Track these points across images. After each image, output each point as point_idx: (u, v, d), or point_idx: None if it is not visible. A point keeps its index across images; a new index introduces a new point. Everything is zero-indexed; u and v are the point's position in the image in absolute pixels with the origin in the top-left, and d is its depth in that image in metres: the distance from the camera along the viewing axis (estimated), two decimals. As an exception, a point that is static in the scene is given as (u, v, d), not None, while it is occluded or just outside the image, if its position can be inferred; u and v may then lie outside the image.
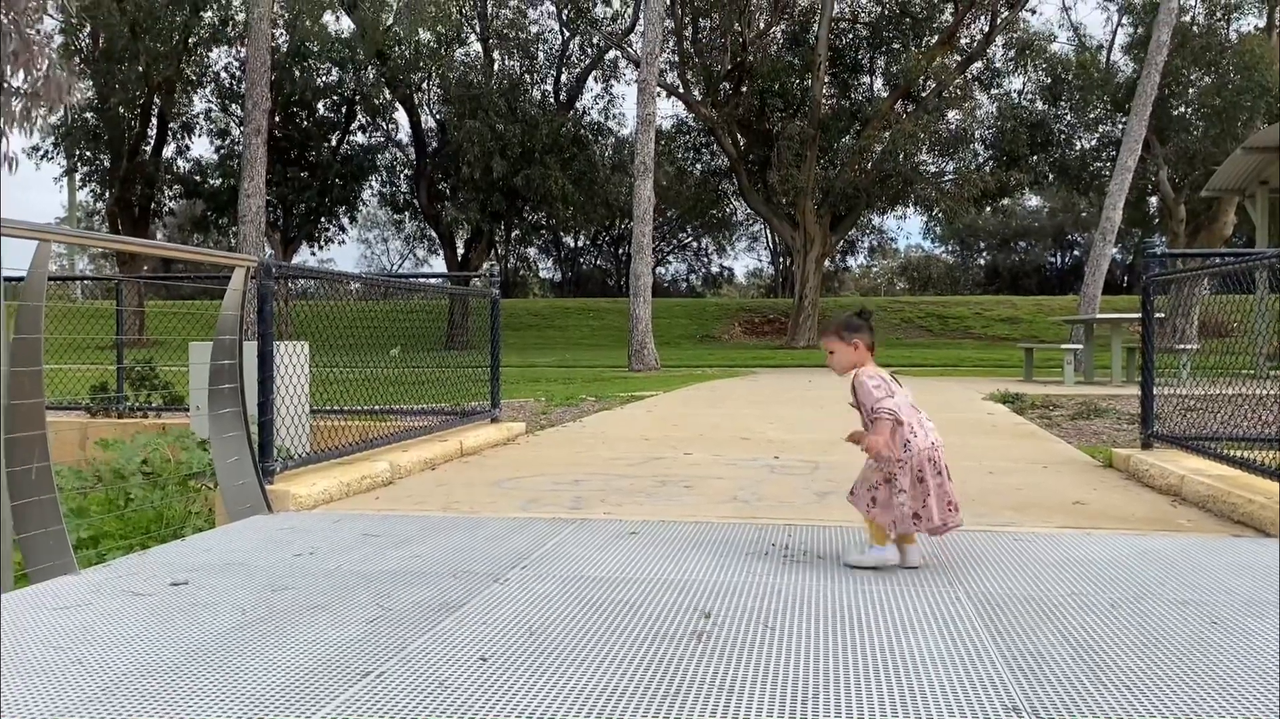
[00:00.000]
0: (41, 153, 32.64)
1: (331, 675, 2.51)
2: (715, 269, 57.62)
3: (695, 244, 52.94)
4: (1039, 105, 34.91)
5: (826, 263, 38.60)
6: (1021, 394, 11.99)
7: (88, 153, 33.23)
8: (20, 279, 3.84)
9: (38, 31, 7.92)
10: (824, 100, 32.98)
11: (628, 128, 39.38)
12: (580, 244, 50.60)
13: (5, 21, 6.84)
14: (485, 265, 37.21)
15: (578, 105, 37.56)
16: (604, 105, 38.89)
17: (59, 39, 27.63)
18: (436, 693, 2.39)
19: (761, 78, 32.98)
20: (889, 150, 31.68)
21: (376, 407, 7.46)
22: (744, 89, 33.90)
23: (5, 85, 6.58)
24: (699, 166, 39.55)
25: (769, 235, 49.67)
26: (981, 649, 2.71)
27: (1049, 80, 34.51)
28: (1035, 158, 34.57)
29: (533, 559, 3.81)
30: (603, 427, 9.20)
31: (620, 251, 48.30)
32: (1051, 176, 36.04)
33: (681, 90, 34.28)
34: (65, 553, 3.55)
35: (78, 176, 34.39)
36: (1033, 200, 56.84)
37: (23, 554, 3.58)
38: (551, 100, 36.60)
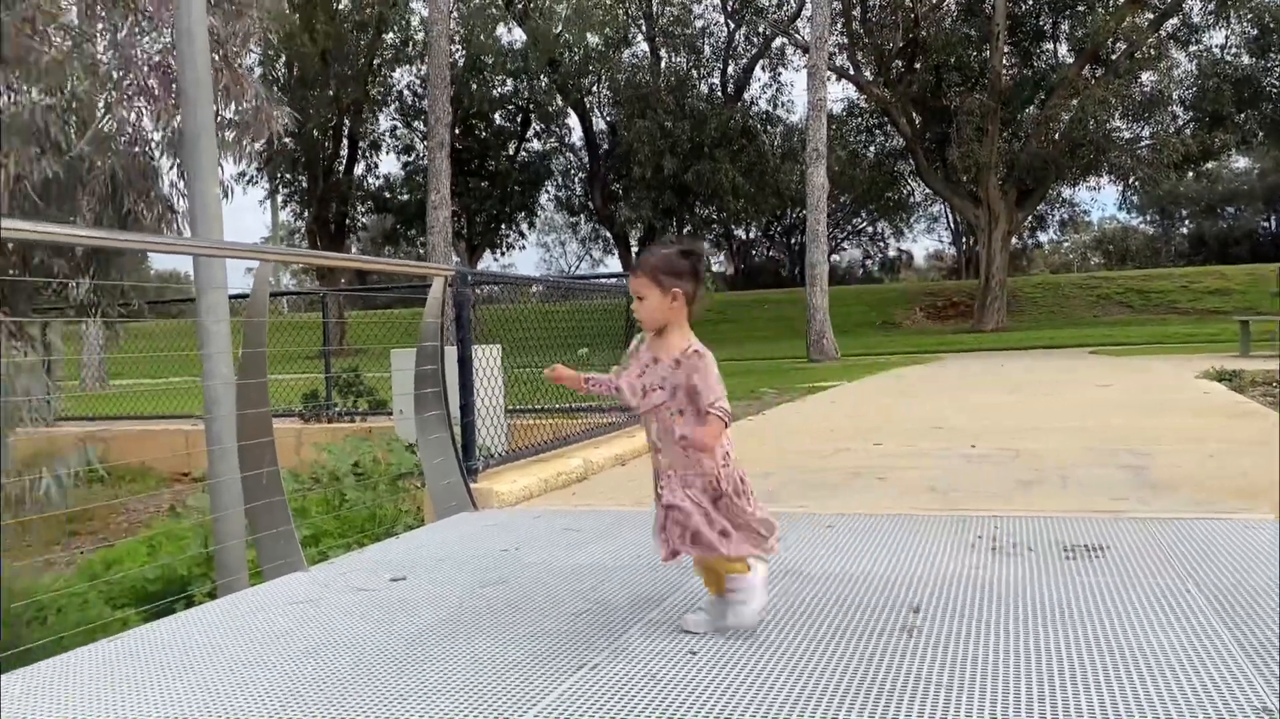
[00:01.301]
0: (247, 178, 35.14)
1: (548, 668, 2.59)
2: (893, 253, 56.15)
3: (871, 229, 51.75)
4: (1245, 59, 32.26)
5: (1013, 240, 36.98)
6: (1239, 371, 11.12)
7: (287, 175, 35.54)
8: (244, 296, 4.14)
9: (241, 65, 8.52)
10: (1004, 71, 31.57)
11: (797, 115, 38.87)
12: (751, 236, 50.35)
13: (216, 58, 7.37)
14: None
15: (745, 96, 37.39)
16: (772, 94, 38.42)
17: (258, 70, 29.72)
18: (649, 686, 2.43)
19: (936, 52, 31.88)
20: (1078, 118, 30.02)
21: (566, 405, 7.65)
22: (917, 66, 32.87)
23: (220, 118, 7.09)
24: (872, 149, 38.62)
25: (949, 215, 48.01)
26: (1221, 645, 2.53)
27: (1255, 32, 31.84)
28: (1242, 116, 31.97)
29: (730, 553, 3.81)
30: (786, 419, 9.12)
31: (793, 241, 47.79)
32: (1261, 135, 33.25)
33: (852, 72, 33.56)
34: (295, 551, 3.80)
35: (279, 198, 36.88)
36: (1240, 162, 52.62)
37: (257, 553, 3.86)
38: (719, 93, 36.57)
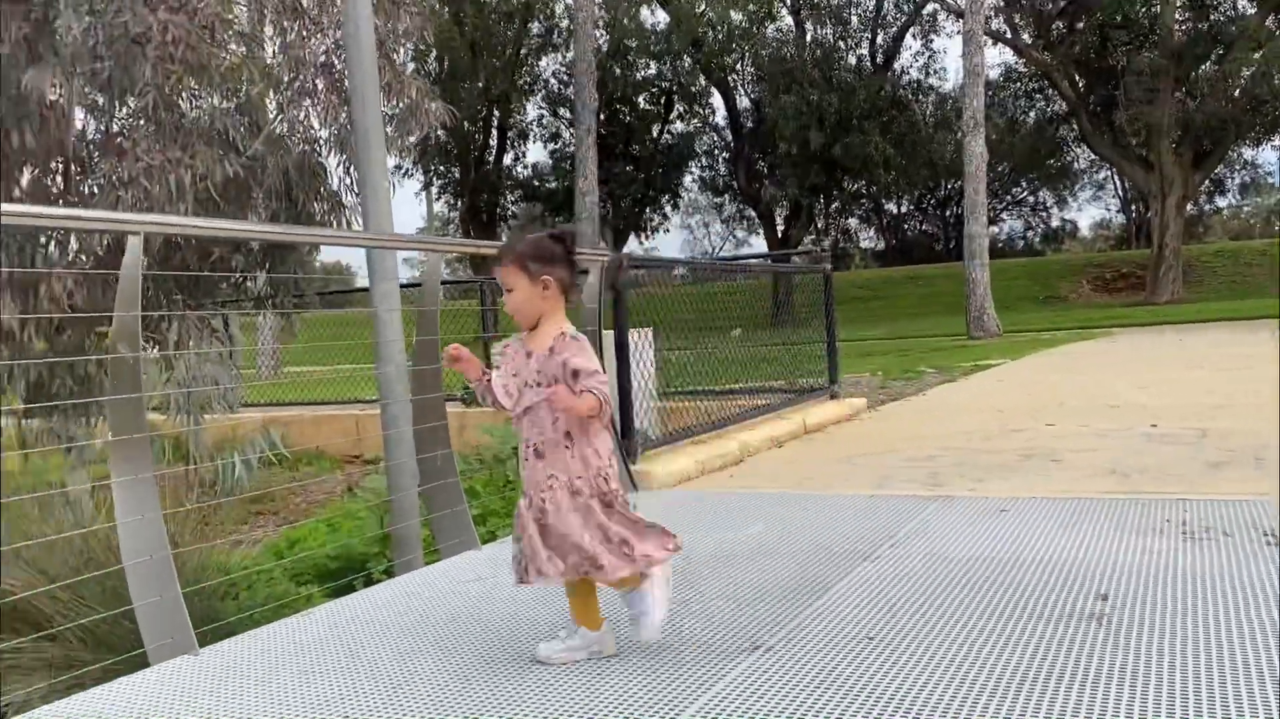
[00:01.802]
0: (403, 171, 36.42)
1: (721, 651, 2.58)
2: (1056, 223, 53.61)
3: (1032, 199, 49.55)
4: None
5: (1188, 206, 34.76)
6: None
7: (440, 167, 36.66)
8: (414, 285, 4.30)
9: (399, 62, 8.78)
10: (1176, 26, 29.61)
11: (950, 83, 37.52)
12: (903, 210, 49.00)
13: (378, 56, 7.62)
14: (806, 240, 37.03)
15: (895, 66, 36.32)
16: (924, 62, 37.15)
17: (410, 66, 30.75)
18: (824, 668, 2.39)
19: (1101, 10, 30.16)
20: (1261, 73, 27.88)
21: (717, 387, 7.63)
22: (1080, 25, 31.19)
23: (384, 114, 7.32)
24: (1032, 115, 36.94)
25: (1117, 182, 45.49)
26: None
27: None
28: None
29: (899, 537, 3.72)
30: (949, 399, 8.85)
31: (947, 214, 46.26)
32: None
33: (1009, 35, 32.15)
34: (469, 531, 3.93)
35: (433, 190, 38.10)
36: None
37: (432, 532, 4.00)
38: (867, 64, 35.66)
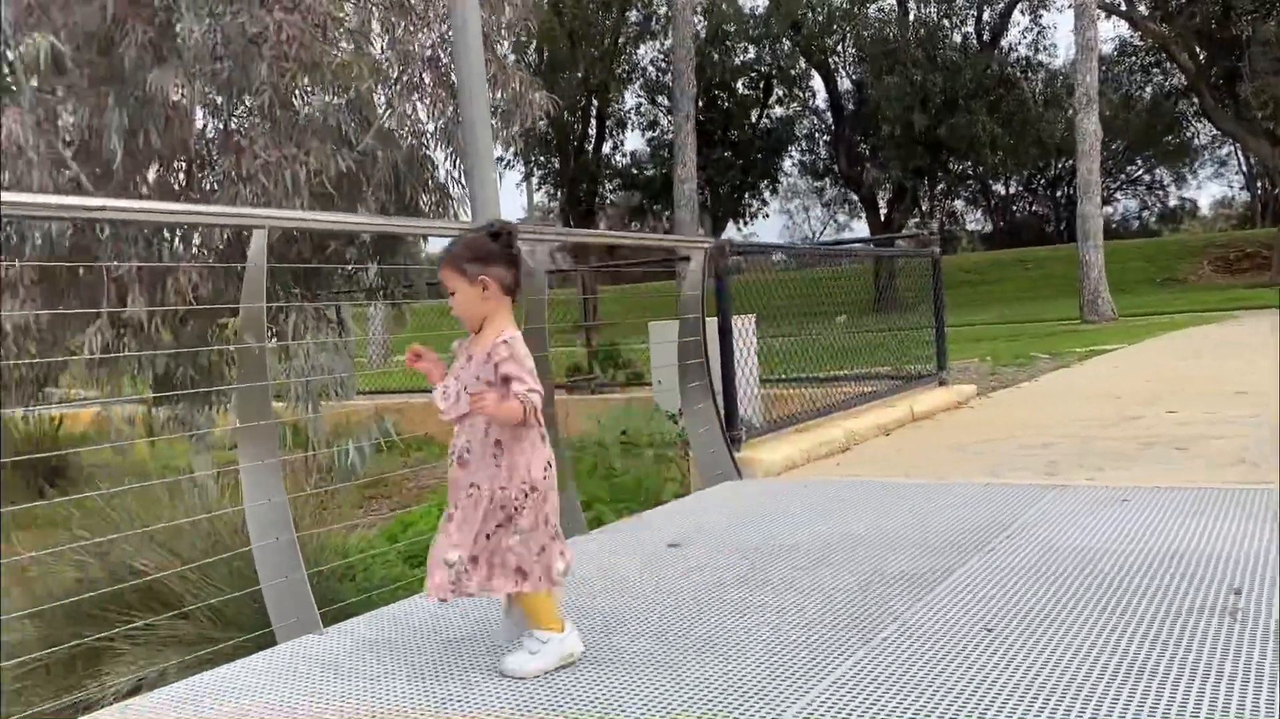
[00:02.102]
0: (505, 162, 36.91)
1: (834, 641, 2.56)
2: (1173, 202, 51.36)
3: (1148, 177, 47.57)
4: None
5: (1319, 182, 32.89)
6: None
7: (540, 157, 37.03)
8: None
9: (502, 54, 8.89)
10: (1306, -9, 27.98)
11: (1060, 59, 36.25)
12: (1011, 190, 47.59)
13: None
14: (910, 223, 36.29)
15: (1002, 43, 35.24)
16: (1033, 38, 35.96)
17: (510, 57, 31.14)
18: (940, 660, 2.35)
19: (1223, -22, 28.70)
20: (1400, 38, 26.17)
21: (821, 374, 7.54)
22: (1200, -6, 29.74)
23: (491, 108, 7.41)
24: (1148, 90, 35.43)
25: (1241, 158, 43.34)
26: None
27: None
28: None
29: (1015, 527, 3.63)
30: (1062, 385, 8.58)
31: (1058, 194, 44.76)
32: None
33: (1124, 8, 30.87)
34: (576, 515, 3.97)
35: (534, 180, 38.51)
36: None
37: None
38: (973, 42, 34.69)
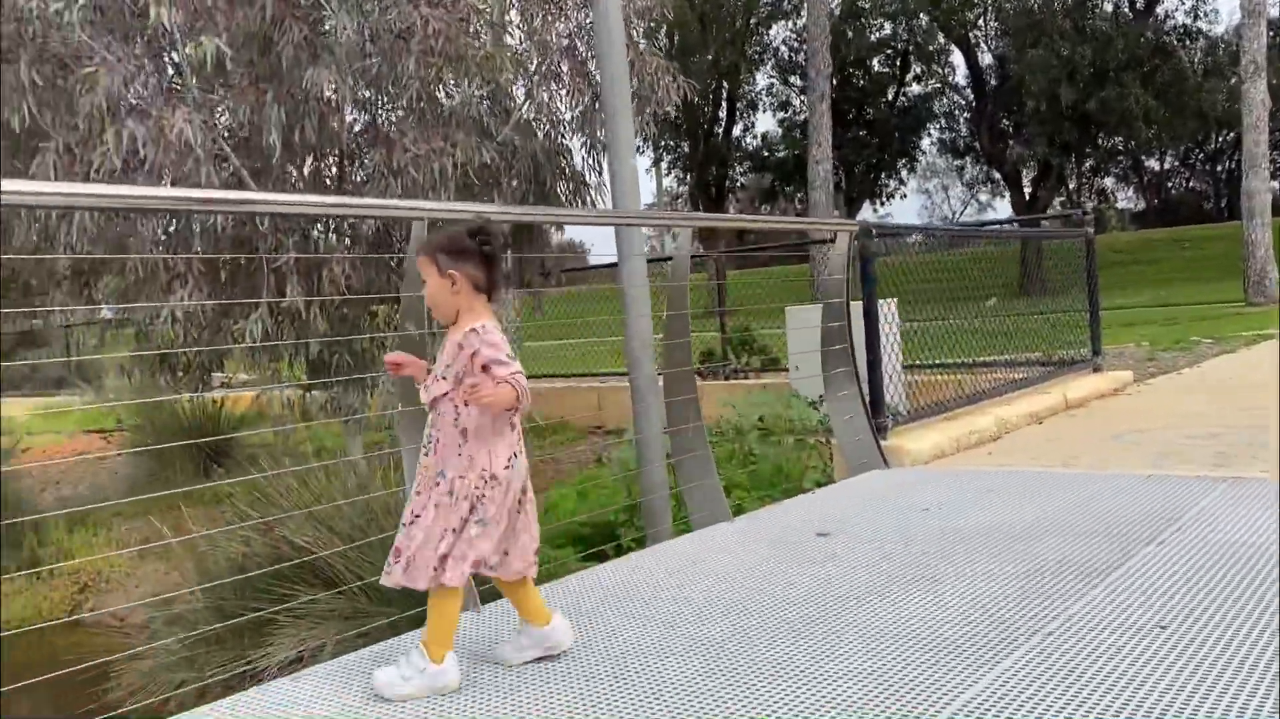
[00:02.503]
0: (636, 149, 37.05)
1: (996, 633, 2.48)
2: (1350, 175, 47.76)
3: (1320, 149, 44.36)
4: None
5: None
6: None
7: (670, 142, 37.02)
8: (663, 259, 4.36)
9: (638, 41, 8.90)
10: None
11: (1222, 26, 34.09)
12: (1166, 166, 45.12)
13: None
14: (1055, 202, 34.82)
15: (1158, 10, 33.36)
16: (1191, 4, 33.93)
17: (642, 43, 31.20)
18: (1109, 657, 2.25)
19: None
20: None
21: (967, 360, 7.31)
22: (1383, -52, 27.46)
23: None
24: (1321, 54, 32.92)
25: None
26: None
27: None
28: None
29: (1185, 520, 3.44)
30: (1228, 371, 8.10)
31: (1218, 169, 42.20)
32: None
33: (1293, -33, 28.77)
34: (720, 503, 3.96)
35: (663, 165, 38.55)
36: None
37: (686, 504, 4.06)
38: (1126, 11, 32.95)
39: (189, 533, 6.96)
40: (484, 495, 2.37)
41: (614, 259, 5.08)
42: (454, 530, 2.36)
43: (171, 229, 7.30)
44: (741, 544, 3.61)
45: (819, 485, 5.51)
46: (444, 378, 2.43)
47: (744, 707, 2.16)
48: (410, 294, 3.03)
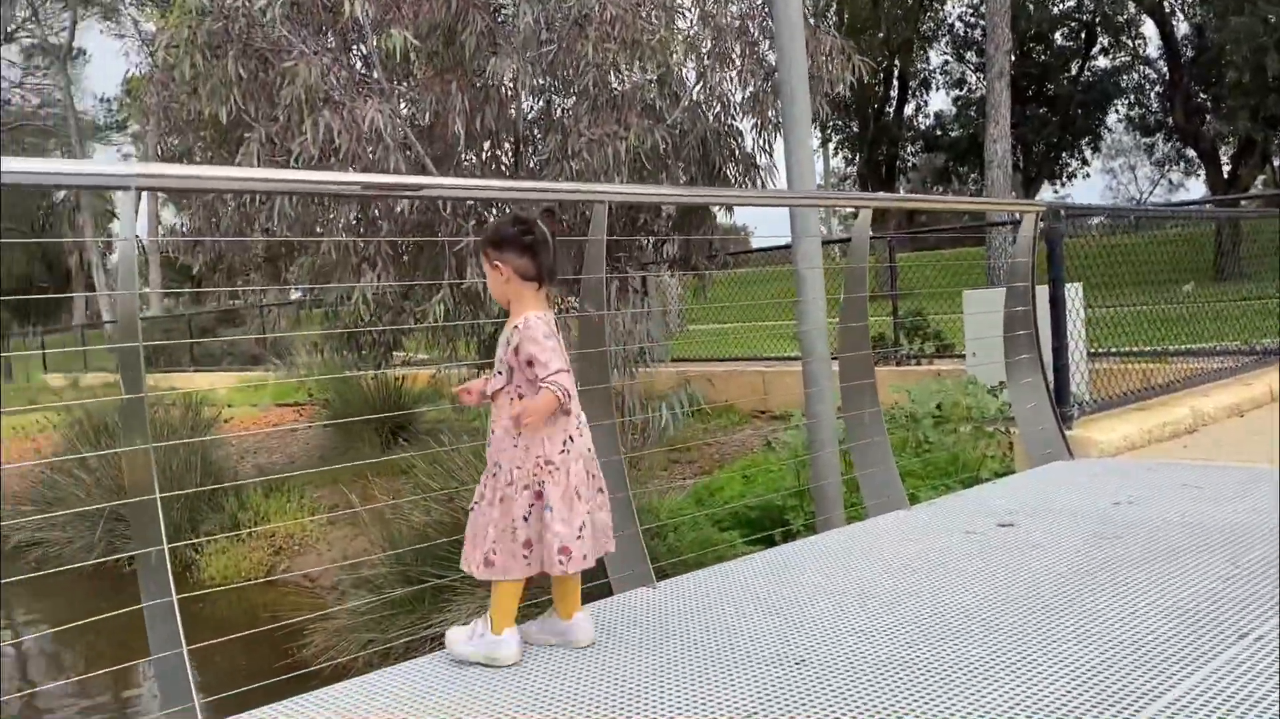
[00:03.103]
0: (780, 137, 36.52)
1: (1202, 633, 2.35)
2: None
3: None
4: None
5: None
6: None
7: (839, 121, 36.31)
8: (836, 241, 4.29)
9: (808, 19, 8.76)
10: None
11: None
12: (1390, 140, 41.13)
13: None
14: (1258, 181, 32.35)
15: (1383, -32, 30.41)
16: None
17: (812, 21, 30.66)
18: (1338, 674, 2.09)
19: None
20: None
21: (1158, 347, 6.90)
22: None
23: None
24: None
25: None
26: None
27: None
28: None
29: None
30: None
31: None
32: None
33: None
34: (897, 490, 3.89)
35: (830, 145, 37.86)
36: None
37: (861, 490, 4.01)
38: (1344, -31, 30.18)
39: (375, 501, 7.35)
40: (544, 481, 2.43)
41: (782, 241, 5.07)
42: (524, 519, 2.42)
43: (359, 215, 7.70)
44: (921, 533, 3.54)
45: (997, 476, 5.33)
46: (500, 373, 2.50)
47: (941, 699, 2.12)
48: (590, 276, 3.10)
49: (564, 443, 2.46)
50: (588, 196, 3.01)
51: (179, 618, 2.17)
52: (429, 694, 2.32)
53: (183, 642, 2.16)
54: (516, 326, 2.45)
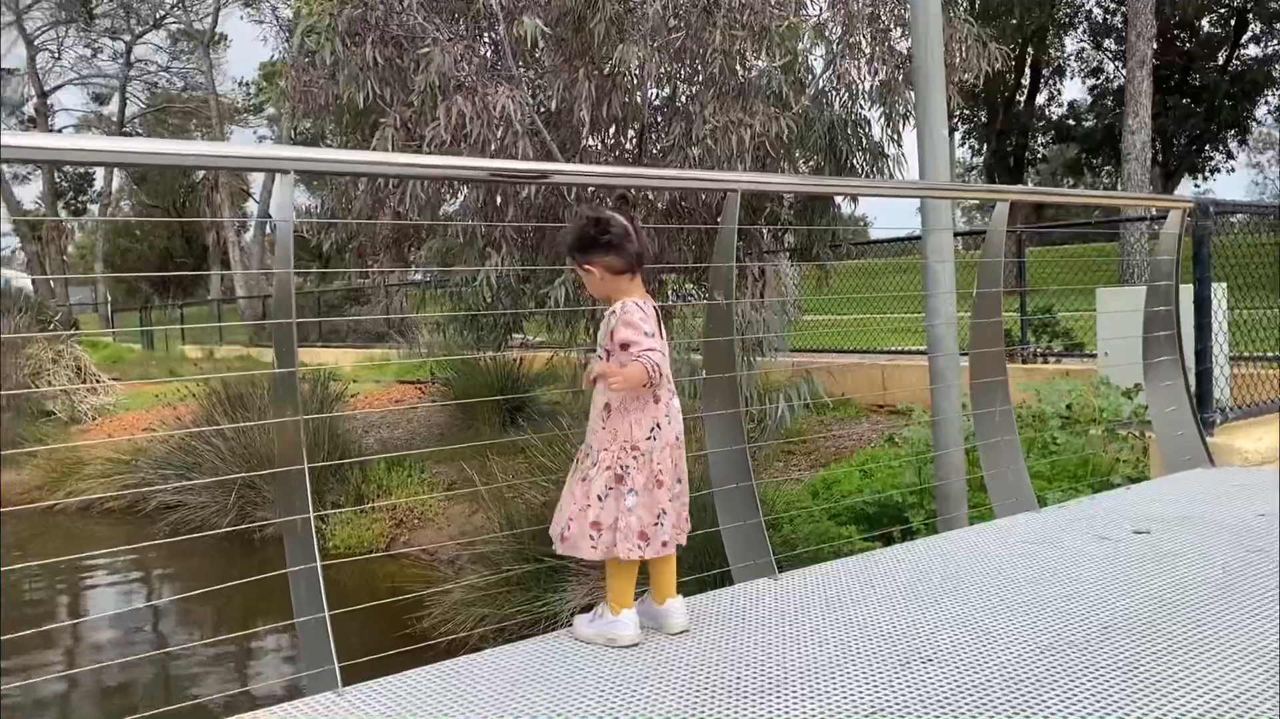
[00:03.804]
0: (908, 126, 35.62)
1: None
2: None
3: None
4: None
5: None
6: None
7: (966, 111, 35.29)
8: (969, 234, 4.17)
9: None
10: None
11: None
12: None
13: None
14: None
15: None
16: None
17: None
18: None
19: None
20: None
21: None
22: None
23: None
24: None
25: None
26: None
27: None
28: None
29: None
30: None
31: None
32: None
33: None
34: (1026, 491, 3.78)
35: (957, 135, 36.84)
36: None
37: (988, 491, 3.91)
38: None
39: (493, 479, 7.51)
40: (628, 466, 2.46)
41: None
42: (599, 498, 2.45)
43: (485, 200, 7.84)
44: (1051, 536, 3.43)
45: (1130, 481, 5.13)
46: (599, 358, 2.55)
47: (1077, 710, 2.06)
48: (720, 264, 3.09)
49: (651, 429, 2.50)
50: (719, 185, 3.00)
51: (323, 584, 2.27)
52: (546, 670, 2.37)
53: (325, 607, 2.25)
54: (614, 311, 2.52)
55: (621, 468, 2.46)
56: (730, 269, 3.07)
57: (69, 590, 8.77)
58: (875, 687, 2.20)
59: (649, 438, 2.49)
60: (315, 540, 2.27)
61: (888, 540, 5.58)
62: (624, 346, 2.45)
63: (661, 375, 2.46)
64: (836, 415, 10.01)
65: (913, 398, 9.19)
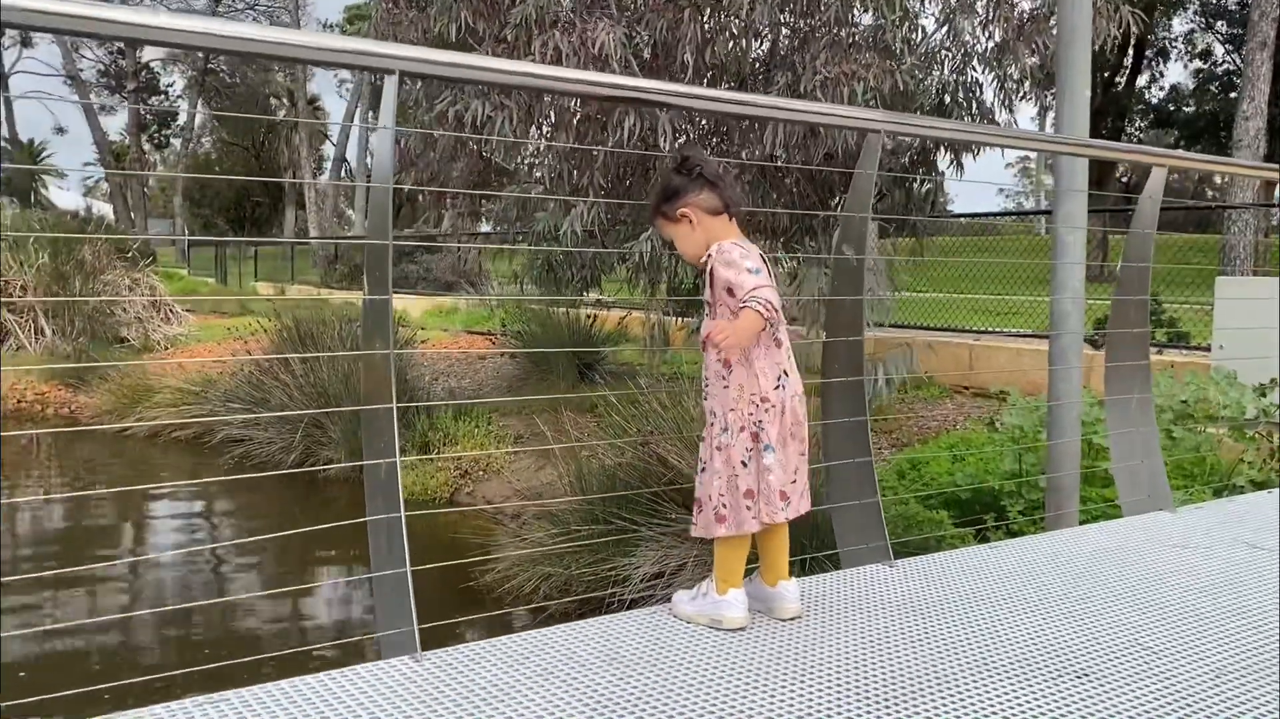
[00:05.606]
0: (1021, 94, 34.47)
1: None
2: None
3: None
4: None
5: None
6: None
7: (1064, 91, 34.09)
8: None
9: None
10: None
11: None
12: None
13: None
14: None
15: None
16: None
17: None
18: None
19: None
20: None
21: None
22: None
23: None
24: None
25: None
26: None
27: None
28: None
29: None
30: None
31: None
32: None
33: None
34: (1163, 488, 3.43)
35: (1048, 114, 35.62)
36: None
37: (1117, 486, 3.56)
38: None
39: (563, 435, 7.29)
40: (760, 420, 2.19)
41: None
42: (743, 464, 2.19)
43: (574, 145, 7.56)
44: (1195, 540, 3.08)
45: (1254, 485, 4.74)
46: (707, 314, 2.28)
47: None
48: (853, 214, 2.78)
49: (778, 378, 2.22)
50: (861, 124, 2.68)
51: (406, 536, 2.03)
52: (642, 650, 2.11)
53: (408, 561, 2.02)
54: (710, 254, 2.21)
55: (755, 425, 2.19)
56: (864, 220, 2.75)
57: (133, 517, 8.79)
58: (1023, 702, 1.91)
59: (777, 387, 2.21)
60: (400, 488, 2.03)
61: (980, 528, 5.26)
62: (728, 290, 2.16)
63: (778, 313, 2.16)
64: (919, 395, 9.61)
65: (1000, 380, 8.77)
